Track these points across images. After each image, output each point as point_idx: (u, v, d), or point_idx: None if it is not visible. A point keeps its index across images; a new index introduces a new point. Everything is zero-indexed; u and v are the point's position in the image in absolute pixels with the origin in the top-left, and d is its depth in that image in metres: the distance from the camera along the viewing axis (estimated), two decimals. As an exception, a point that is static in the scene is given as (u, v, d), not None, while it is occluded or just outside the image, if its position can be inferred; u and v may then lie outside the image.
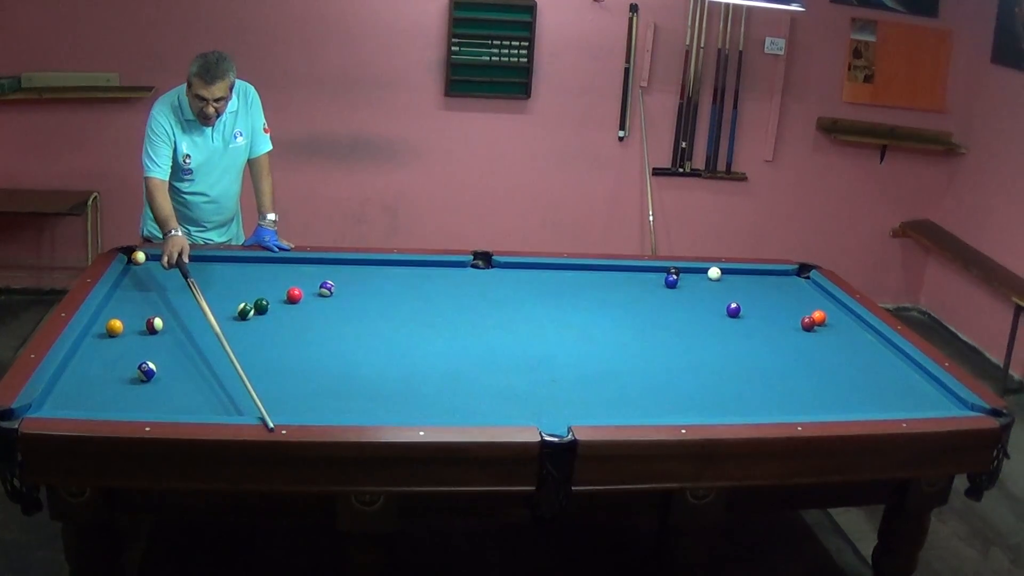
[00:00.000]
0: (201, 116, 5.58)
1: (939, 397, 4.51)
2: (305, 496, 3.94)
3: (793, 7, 6.28)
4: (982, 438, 4.23)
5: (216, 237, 6.05)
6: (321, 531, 4.45)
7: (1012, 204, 7.95)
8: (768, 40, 8.28)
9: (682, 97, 8.33)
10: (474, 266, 5.72)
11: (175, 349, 4.39)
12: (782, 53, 8.32)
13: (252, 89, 5.90)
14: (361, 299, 5.16)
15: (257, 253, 5.68)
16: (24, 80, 7.48)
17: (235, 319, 4.74)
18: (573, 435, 3.80)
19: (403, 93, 7.98)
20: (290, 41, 7.75)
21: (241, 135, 5.83)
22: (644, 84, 8.23)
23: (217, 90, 5.47)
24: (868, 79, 8.52)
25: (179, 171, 5.72)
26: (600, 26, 8.06)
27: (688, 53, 8.20)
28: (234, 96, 5.72)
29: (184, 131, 5.68)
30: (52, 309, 5.13)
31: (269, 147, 6.02)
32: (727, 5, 8.04)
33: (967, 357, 8.13)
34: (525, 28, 7.95)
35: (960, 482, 4.48)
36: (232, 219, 6.19)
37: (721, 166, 8.53)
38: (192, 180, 5.79)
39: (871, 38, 8.42)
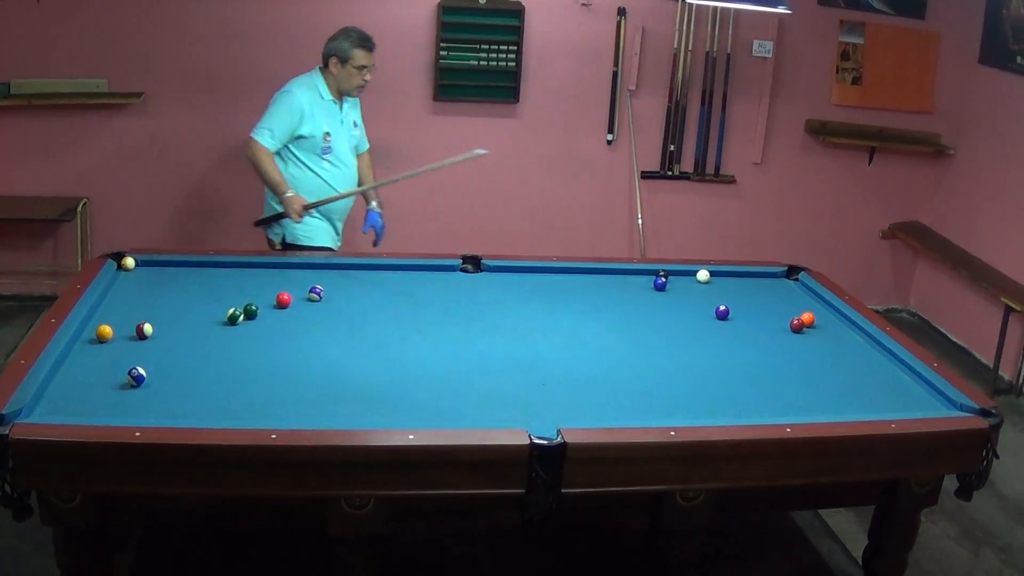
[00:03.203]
0: (359, 88, 6.26)
1: (928, 398, 4.52)
2: (295, 500, 3.94)
3: (780, 10, 6.31)
4: (971, 438, 4.23)
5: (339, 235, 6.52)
6: (312, 535, 4.45)
7: (1001, 205, 7.97)
8: (756, 43, 8.30)
9: (670, 100, 8.34)
10: (463, 270, 5.71)
11: (165, 354, 4.38)
12: (770, 56, 8.34)
13: None
14: (350, 304, 5.16)
15: (246, 258, 5.68)
16: (13, 87, 7.48)
17: (224, 324, 4.74)
18: (562, 438, 3.80)
19: (392, 97, 7.98)
20: (279, 46, 7.74)
21: (356, 126, 6.38)
22: (632, 87, 8.24)
23: (374, 56, 6.21)
24: (856, 81, 8.54)
25: (319, 151, 6.18)
26: (588, 30, 8.07)
27: (676, 56, 8.22)
28: None
29: (322, 112, 6.18)
30: (42, 315, 5.13)
31: (367, 145, 6.70)
32: (715, 8, 8.05)
33: (956, 358, 8.15)
34: (513, 32, 7.96)
35: (950, 482, 4.49)
36: (346, 214, 6.55)
37: (710, 169, 8.55)
38: (331, 160, 6.27)
39: (859, 40, 8.44)
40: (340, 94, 6.29)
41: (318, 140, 6.16)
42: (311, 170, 6.21)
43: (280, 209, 6.11)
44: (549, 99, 8.24)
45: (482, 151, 5.93)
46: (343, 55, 6.12)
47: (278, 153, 6.17)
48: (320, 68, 6.29)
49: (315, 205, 6.11)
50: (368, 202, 6.53)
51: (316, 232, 6.30)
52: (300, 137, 6.14)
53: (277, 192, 6.04)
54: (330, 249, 6.40)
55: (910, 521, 4.60)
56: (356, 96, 6.35)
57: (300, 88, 6.19)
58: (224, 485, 3.75)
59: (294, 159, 6.21)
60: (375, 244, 6.51)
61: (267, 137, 6.06)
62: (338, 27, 7.34)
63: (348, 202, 6.45)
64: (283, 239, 6.33)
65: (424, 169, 6.20)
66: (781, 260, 6.24)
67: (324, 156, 6.22)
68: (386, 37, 7.77)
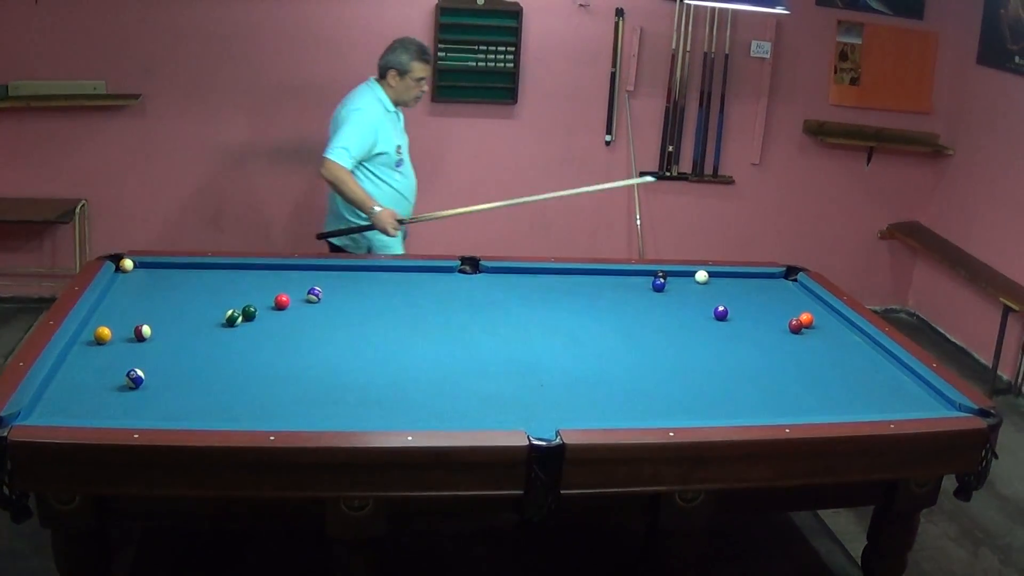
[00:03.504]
0: (416, 100, 6.31)
1: (927, 398, 4.52)
2: (294, 502, 3.94)
3: (778, 10, 6.32)
4: (970, 439, 4.23)
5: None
6: (311, 536, 4.45)
7: (999, 205, 7.97)
8: (754, 43, 8.30)
9: (669, 101, 8.34)
10: (461, 271, 5.72)
11: (163, 356, 4.38)
12: (768, 56, 8.34)
13: None
14: (349, 305, 5.16)
15: (244, 260, 5.67)
16: (11, 88, 7.48)
17: (223, 326, 4.74)
18: (561, 439, 3.80)
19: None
20: (277, 48, 7.75)
21: (406, 133, 6.40)
22: (631, 88, 8.24)
23: (431, 67, 6.36)
24: (854, 81, 8.54)
25: (393, 164, 6.22)
26: (586, 31, 8.07)
27: (674, 57, 8.22)
28: None
29: (390, 125, 6.24)
30: (40, 317, 5.13)
31: None
32: (713, 9, 8.05)
33: (955, 358, 8.15)
34: (511, 33, 7.96)
35: (949, 483, 4.49)
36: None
37: (708, 170, 8.55)
38: (402, 172, 6.34)
39: (857, 40, 8.44)
40: (396, 104, 6.31)
41: (392, 154, 6.21)
42: (386, 183, 6.24)
43: (361, 223, 6.15)
44: (547, 100, 8.23)
45: (651, 178, 6.32)
46: (402, 68, 6.13)
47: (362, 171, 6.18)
48: (376, 80, 6.27)
49: (412, 221, 6.30)
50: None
51: (392, 242, 6.31)
52: (378, 154, 6.16)
53: (365, 209, 6.00)
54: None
55: (909, 521, 4.60)
56: (413, 107, 6.41)
57: (370, 104, 6.18)
58: (223, 487, 3.75)
59: (369, 174, 6.20)
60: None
61: (344, 156, 5.99)
62: (336, 28, 7.39)
63: (412, 207, 6.50)
64: (368, 250, 6.32)
65: (580, 191, 6.39)
66: (779, 260, 6.24)
67: (397, 168, 6.28)
68: (384, 38, 7.75)
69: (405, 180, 6.34)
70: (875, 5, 8.37)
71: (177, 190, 7.99)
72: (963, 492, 4.42)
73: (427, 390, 4.30)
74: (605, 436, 3.94)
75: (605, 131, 8.33)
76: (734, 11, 8.01)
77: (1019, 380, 7.64)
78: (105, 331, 4.47)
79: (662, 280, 5.67)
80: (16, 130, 7.65)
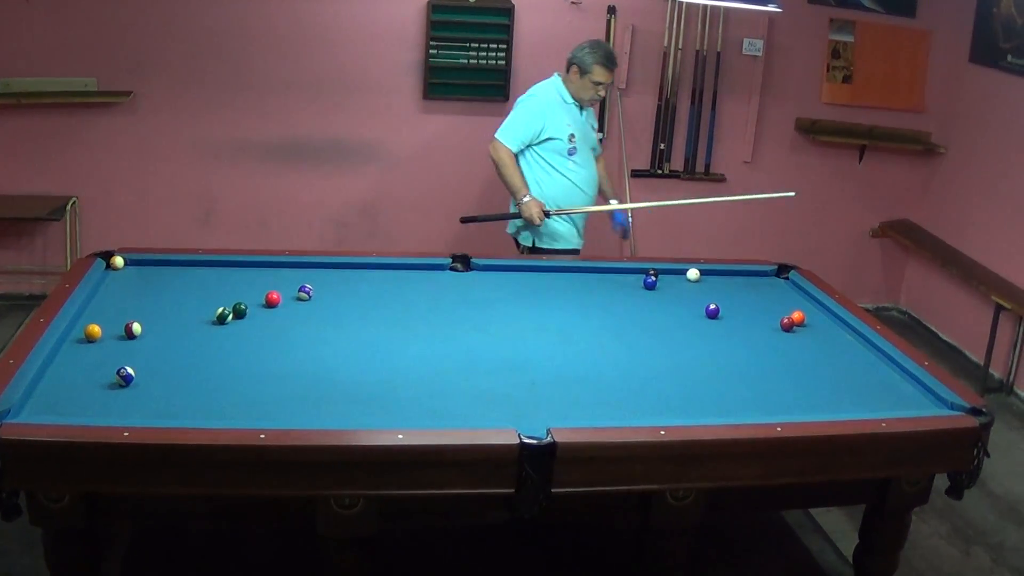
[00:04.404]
0: (591, 101, 6.50)
1: (919, 396, 4.52)
2: (285, 500, 3.94)
3: (770, 8, 6.31)
4: (962, 437, 4.24)
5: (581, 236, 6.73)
6: (301, 535, 4.44)
7: (991, 203, 7.98)
8: (746, 41, 8.30)
9: (660, 99, 8.34)
10: (453, 269, 5.71)
11: (153, 354, 4.37)
12: (760, 54, 8.34)
13: None
14: (340, 303, 5.15)
15: (235, 257, 5.65)
16: (2, 85, 7.46)
17: (213, 323, 4.73)
18: (552, 437, 3.80)
19: (381, 96, 7.98)
20: (268, 45, 7.74)
21: (594, 128, 6.62)
22: (622, 86, 8.23)
23: (612, 75, 6.42)
24: (847, 79, 8.55)
25: (565, 152, 6.40)
26: (578, 28, 8.04)
27: (666, 55, 8.21)
28: None
29: (565, 113, 6.44)
30: (31, 314, 5.12)
31: (600, 150, 6.94)
32: (705, 7, 8.05)
33: (947, 356, 8.16)
34: (503, 30, 7.95)
35: (941, 481, 4.49)
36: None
37: (700, 167, 8.55)
38: (576, 161, 6.48)
39: (849, 38, 8.44)
40: (575, 99, 6.47)
41: (563, 142, 6.38)
42: (559, 172, 6.41)
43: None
44: (539, 98, 8.22)
45: (791, 192, 6.47)
46: (584, 67, 6.29)
47: (524, 157, 6.43)
48: (561, 73, 6.49)
49: (558, 213, 6.38)
50: (608, 200, 6.82)
51: (562, 236, 6.51)
52: (547, 140, 6.37)
53: (516, 196, 6.33)
54: (576, 251, 6.61)
55: (901, 520, 4.61)
56: (588, 107, 6.59)
57: (543, 92, 6.49)
58: (213, 485, 3.74)
59: (541, 162, 6.43)
60: (624, 237, 6.84)
61: (510, 138, 6.39)
62: (327, 25, 7.38)
63: (591, 200, 6.63)
64: (532, 243, 6.53)
65: (724, 199, 6.67)
66: (771, 259, 6.24)
67: (570, 157, 6.41)
68: (375, 35, 7.79)
69: (580, 171, 6.49)
70: (867, 3, 8.37)
71: (168, 187, 7.98)
72: (955, 491, 4.43)
73: (418, 388, 4.29)
74: (596, 434, 3.94)
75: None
76: (726, 9, 8.00)
77: (1011, 378, 7.64)
78: (95, 329, 4.46)
79: (653, 278, 5.66)
80: (7, 127, 7.62)
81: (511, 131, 6.40)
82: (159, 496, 3.88)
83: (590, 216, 6.79)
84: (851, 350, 5.04)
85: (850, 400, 4.46)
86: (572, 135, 6.39)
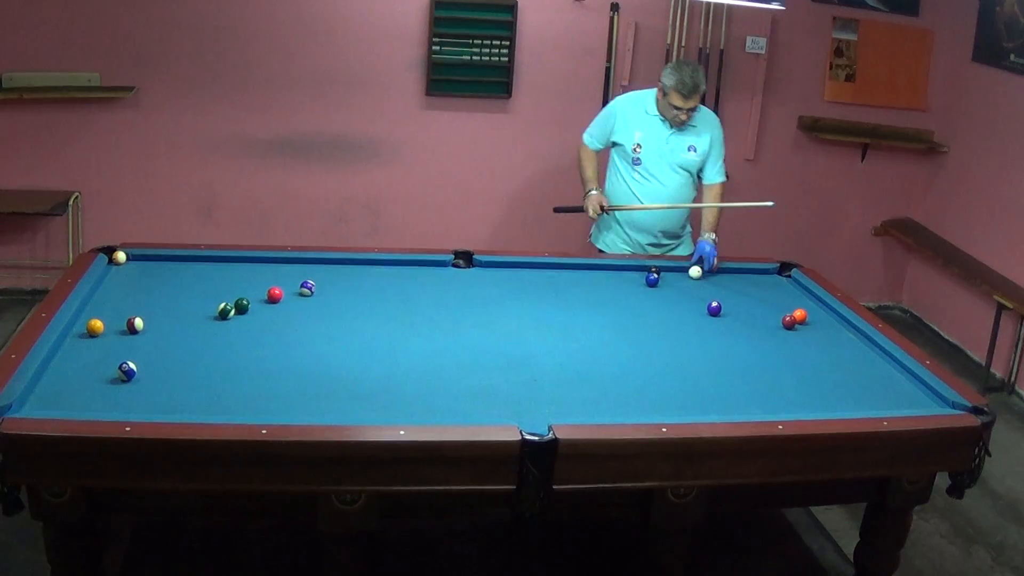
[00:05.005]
0: (675, 121, 6.19)
1: (920, 395, 4.51)
2: (286, 496, 3.93)
3: (774, 6, 6.31)
4: (963, 436, 4.23)
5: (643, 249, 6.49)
6: (302, 531, 4.44)
7: (993, 202, 7.98)
8: (749, 39, 8.30)
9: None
10: (455, 265, 5.70)
11: (155, 349, 4.37)
12: (763, 52, 8.34)
13: (718, 121, 6.51)
14: (342, 298, 5.14)
15: (237, 253, 5.65)
16: (5, 80, 7.46)
17: (215, 319, 4.73)
18: (553, 434, 3.79)
19: (384, 92, 7.99)
20: (271, 41, 7.74)
21: (694, 150, 6.29)
22: (625, 83, 8.22)
23: (692, 102, 6.08)
24: (850, 78, 8.55)
25: (628, 159, 6.31)
26: (581, 25, 8.06)
27: (669, 52, 8.21)
28: (700, 111, 6.32)
29: (640, 123, 6.30)
30: (33, 309, 5.12)
31: (721, 179, 6.51)
32: (708, 4, 8.05)
33: (948, 355, 8.16)
34: (506, 27, 7.95)
35: (942, 480, 4.48)
36: (680, 236, 6.60)
37: (703, 165, 8.54)
38: (640, 172, 6.30)
39: (852, 37, 8.44)
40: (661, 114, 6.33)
41: (628, 149, 6.29)
42: (622, 179, 6.36)
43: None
44: (542, 94, 8.23)
45: (770, 203, 6.31)
46: (664, 87, 6.14)
47: (610, 156, 6.48)
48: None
49: (614, 209, 6.35)
50: (703, 232, 6.25)
51: (613, 244, 6.49)
52: (616, 144, 6.35)
53: (584, 188, 6.43)
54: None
55: (902, 518, 4.60)
56: (676, 126, 6.24)
57: (630, 97, 6.45)
58: (214, 480, 3.74)
59: (614, 164, 6.45)
60: (703, 267, 6.00)
61: (588, 135, 6.52)
62: (331, 21, 7.40)
63: (659, 219, 6.38)
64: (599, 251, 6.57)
65: (701, 205, 6.42)
66: (773, 257, 6.25)
67: (634, 167, 6.30)
68: (378, 32, 7.79)
69: (644, 183, 6.29)
70: (871, 2, 8.37)
71: (171, 183, 7.98)
72: (956, 490, 4.42)
73: (420, 384, 4.28)
74: (598, 431, 3.93)
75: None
76: (729, 6, 8.01)
77: (1012, 378, 7.64)
78: (97, 323, 4.46)
79: (656, 275, 5.66)
80: (10, 122, 7.63)
81: (590, 128, 6.52)
82: (160, 491, 3.88)
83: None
84: (853, 348, 5.03)
85: (851, 398, 4.45)
86: (638, 145, 6.25)
